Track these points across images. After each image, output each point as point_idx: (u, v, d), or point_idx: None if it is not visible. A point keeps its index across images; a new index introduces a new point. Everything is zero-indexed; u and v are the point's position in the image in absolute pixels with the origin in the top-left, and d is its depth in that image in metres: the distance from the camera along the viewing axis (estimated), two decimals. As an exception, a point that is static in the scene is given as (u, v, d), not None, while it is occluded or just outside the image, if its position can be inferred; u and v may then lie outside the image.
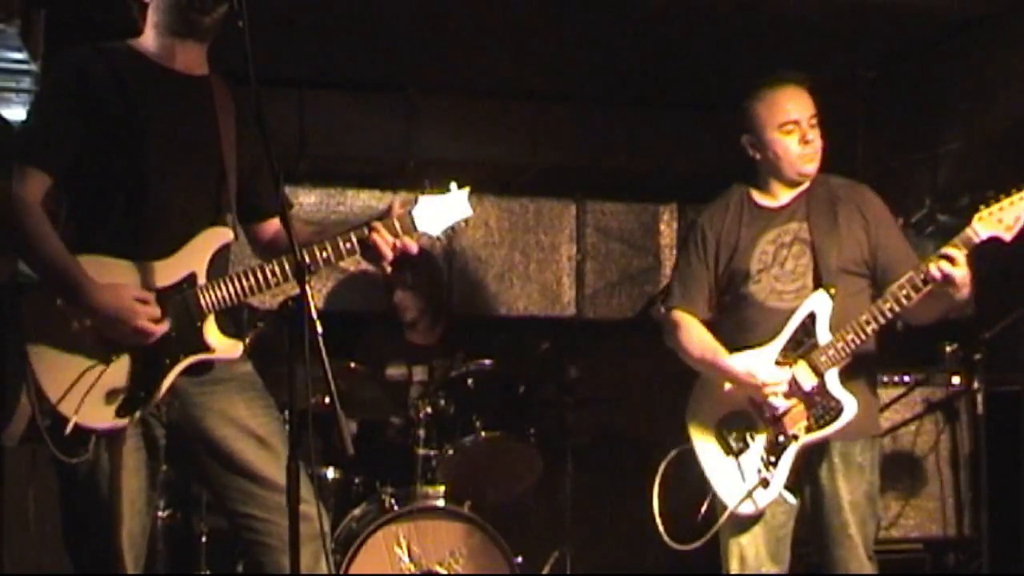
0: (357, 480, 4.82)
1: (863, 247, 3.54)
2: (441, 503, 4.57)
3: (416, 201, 2.96)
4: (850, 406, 3.42)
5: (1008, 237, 3.28)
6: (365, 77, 5.87)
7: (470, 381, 4.78)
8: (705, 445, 3.61)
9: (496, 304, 6.21)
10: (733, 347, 3.57)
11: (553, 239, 6.30)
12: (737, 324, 3.61)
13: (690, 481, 3.63)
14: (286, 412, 3.20)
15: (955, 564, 4.86)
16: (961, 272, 3.26)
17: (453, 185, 3.00)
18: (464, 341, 5.28)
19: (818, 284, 3.50)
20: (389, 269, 2.96)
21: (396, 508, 4.50)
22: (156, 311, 2.80)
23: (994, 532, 4.47)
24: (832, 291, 3.46)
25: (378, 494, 4.63)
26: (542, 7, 4.98)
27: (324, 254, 2.88)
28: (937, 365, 4.80)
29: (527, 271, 6.26)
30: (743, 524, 3.56)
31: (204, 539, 4.57)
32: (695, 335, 3.64)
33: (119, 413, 2.78)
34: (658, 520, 3.65)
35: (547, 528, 5.11)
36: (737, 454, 3.55)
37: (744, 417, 3.55)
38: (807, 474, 3.54)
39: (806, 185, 3.61)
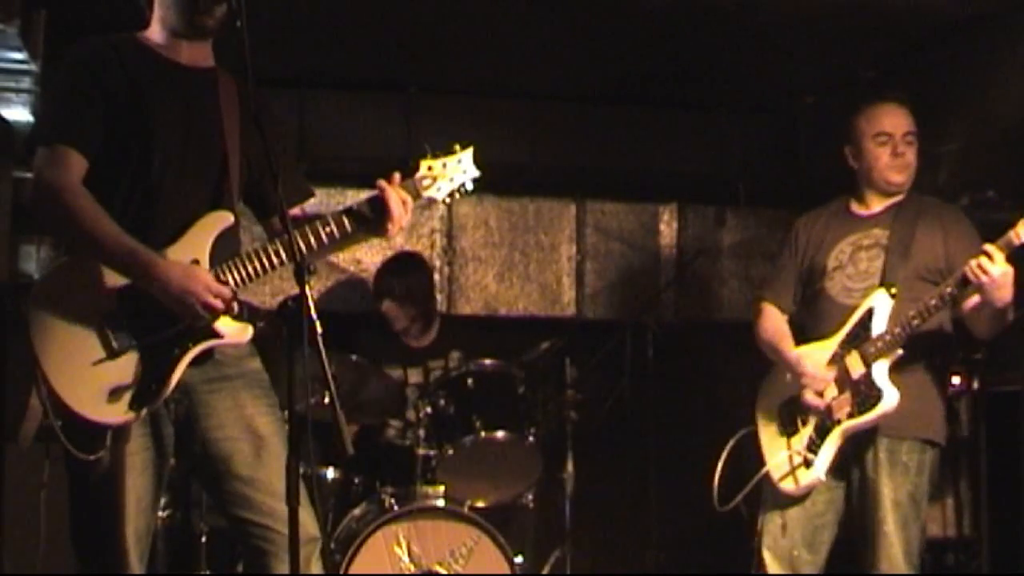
0: (357, 480, 4.82)
1: (939, 258, 3.71)
2: (441, 503, 4.57)
3: (417, 166, 2.93)
4: (890, 397, 3.58)
5: None
6: (365, 77, 5.87)
7: (470, 381, 4.77)
8: (766, 424, 3.89)
9: (496, 304, 6.20)
10: (807, 338, 3.83)
11: (553, 239, 6.30)
12: (811, 317, 3.89)
13: (749, 457, 3.90)
14: (286, 412, 3.19)
15: (955, 564, 4.86)
16: (999, 269, 3.36)
17: (457, 146, 2.97)
18: (464, 341, 5.28)
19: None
20: (395, 231, 2.91)
21: (396, 508, 4.50)
22: (226, 290, 2.79)
23: (994, 532, 4.48)
24: (892, 290, 3.63)
25: (378, 494, 4.63)
26: (542, 7, 4.98)
27: (328, 229, 2.89)
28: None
29: (527, 271, 6.25)
30: (783, 503, 3.77)
31: (204, 539, 4.57)
32: (771, 323, 3.95)
33: (131, 407, 2.78)
34: (715, 485, 3.90)
35: (547, 528, 5.10)
36: (790, 435, 3.78)
37: (802, 402, 3.74)
38: (854, 466, 3.70)
39: (899, 198, 3.83)
